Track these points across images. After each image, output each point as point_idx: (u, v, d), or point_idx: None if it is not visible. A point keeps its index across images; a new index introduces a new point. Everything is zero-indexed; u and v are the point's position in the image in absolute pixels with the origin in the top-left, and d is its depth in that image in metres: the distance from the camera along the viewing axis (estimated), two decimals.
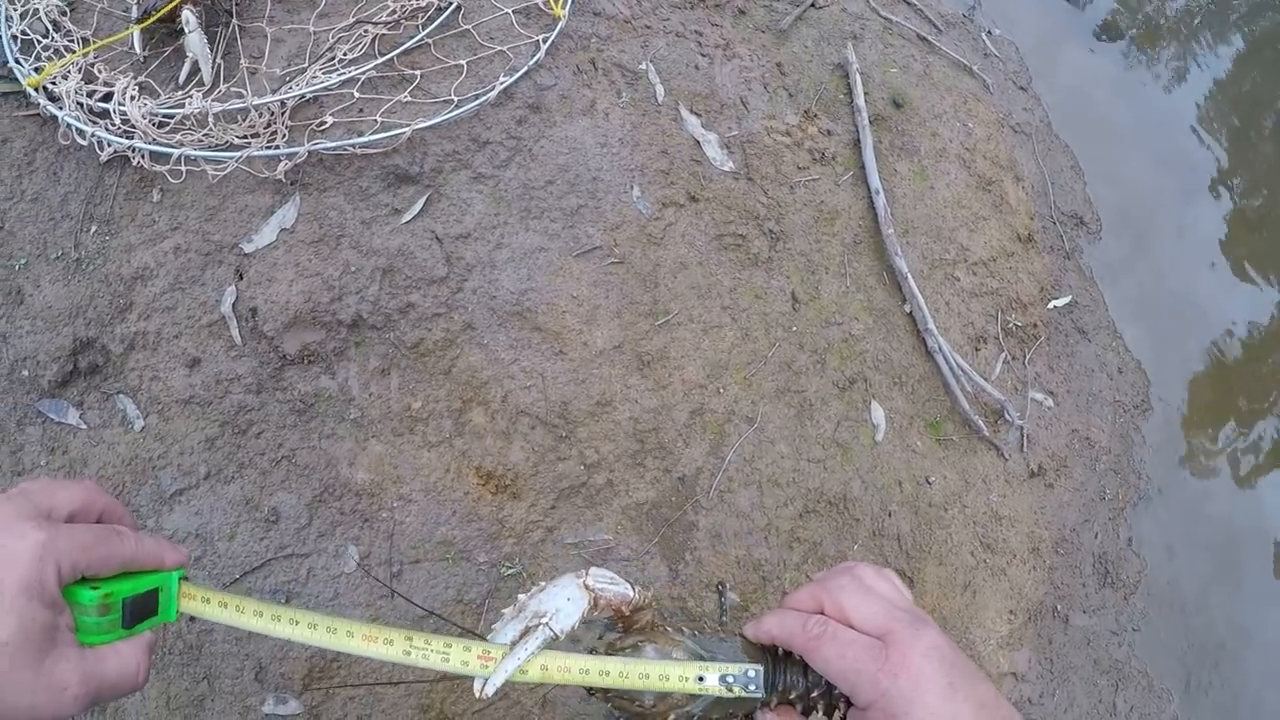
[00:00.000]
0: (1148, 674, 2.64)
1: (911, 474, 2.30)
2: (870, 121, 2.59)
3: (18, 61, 1.93)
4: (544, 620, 0.90)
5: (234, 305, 1.85)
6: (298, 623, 0.89)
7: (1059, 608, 2.54)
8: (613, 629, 1.00)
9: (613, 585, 0.96)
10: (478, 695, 0.90)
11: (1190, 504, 2.96)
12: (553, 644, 0.91)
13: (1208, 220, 3.50)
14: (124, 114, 1.84)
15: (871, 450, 2.26)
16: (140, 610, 0.83)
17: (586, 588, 0.94)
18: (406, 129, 1.91)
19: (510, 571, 1.86)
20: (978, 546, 2.37)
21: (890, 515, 2.22)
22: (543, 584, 0.95)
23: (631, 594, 0.97)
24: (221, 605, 0.88)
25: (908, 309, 2.45)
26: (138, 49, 1.97)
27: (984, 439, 2.47)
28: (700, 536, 2.00)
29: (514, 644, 0.90)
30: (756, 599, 2.02)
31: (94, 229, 1.86)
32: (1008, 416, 2.52)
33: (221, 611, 0.88)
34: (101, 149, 1.85)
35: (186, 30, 1.91)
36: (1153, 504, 2.89)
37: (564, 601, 0.92)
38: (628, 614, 0.98)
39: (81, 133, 1.84)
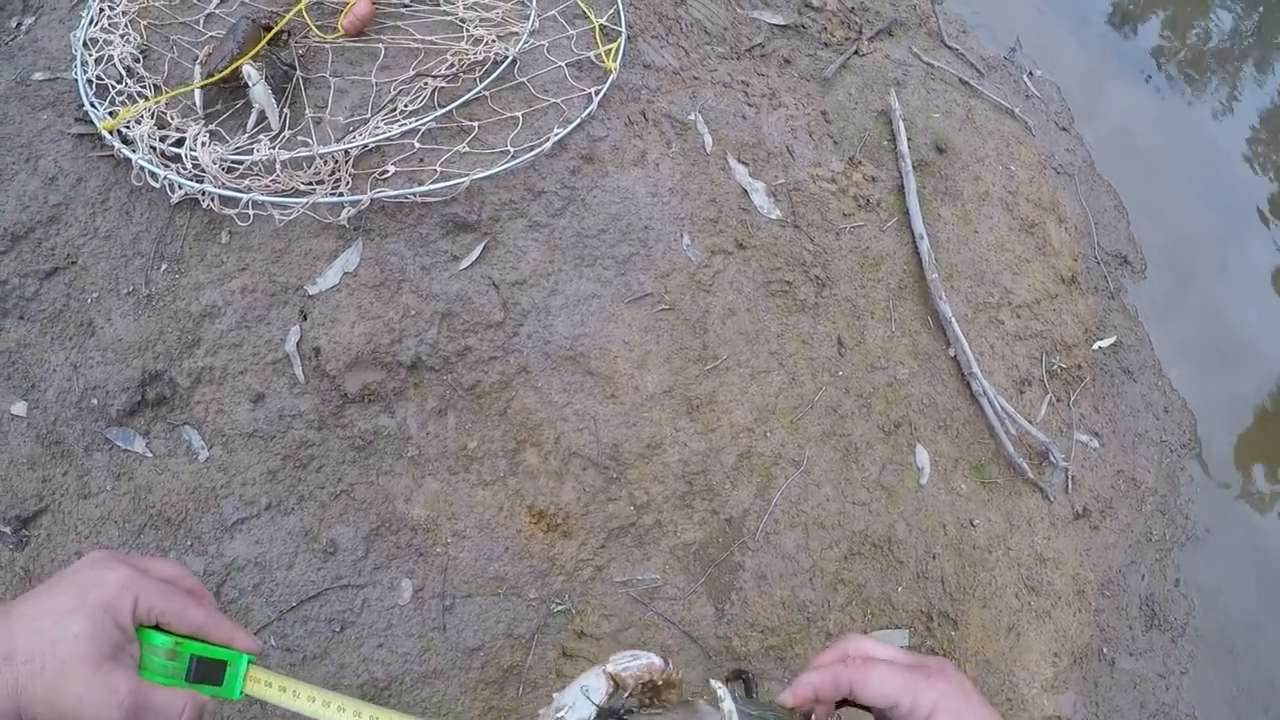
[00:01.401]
0: (1196, 718, 2.61)
1: (956, 517, 2.31)
2: (914, 167, 2.62)
3: (93, 105, 2.01)
4: (561, 714, 0.94)
5: (298, 344, 1.91)
6: (345, 710, 0.95)
7: (1105, 650, 2.53)
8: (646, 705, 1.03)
9: (635, 661, 0.97)
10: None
11: (1239, 544, 2.92)
12: None
13: (1254, 255, 3.47)
14: (195, 159, 1.91)
15: (916, 493, 2.28)
16: (205, 672, 0.90)
17: (607, 674, 0.96)
18: (465, 179, 1.97)
19: (560, 608, 1.90)
20: (1022, 589, 2.37)
21: (934, 558, 2.24)
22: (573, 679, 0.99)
23: (659, 662, 0.98)
24: (281, 690, 0.95)
25: (952, 353, 2.48)
26: (199, 109, 2.04)
27: (1028, 481, 2.48)
28: (746, 577, 2.04)
29: None
30: (800, 639, 2.04)
31: (164, 267, 1.94)
32: (1052, 459, 2.53)
33: (280, 695, 0.94)
34: (173, 191, 1.93)
35: (250, 84, 1.98)
36: (1201, 545, 2.86)
37: (579, 693, 0.95)
38: (660, 683, 1.00)
39: (154, 175, 1.92)
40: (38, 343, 1.90)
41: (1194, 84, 3.87)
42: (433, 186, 1.97)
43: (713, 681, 0.93)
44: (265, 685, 0.94)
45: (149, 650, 0.87)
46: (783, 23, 2.76)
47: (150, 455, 1.88)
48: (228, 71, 1.97)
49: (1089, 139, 3.40)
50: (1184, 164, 3.58)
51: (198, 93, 2.03)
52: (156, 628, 0.88)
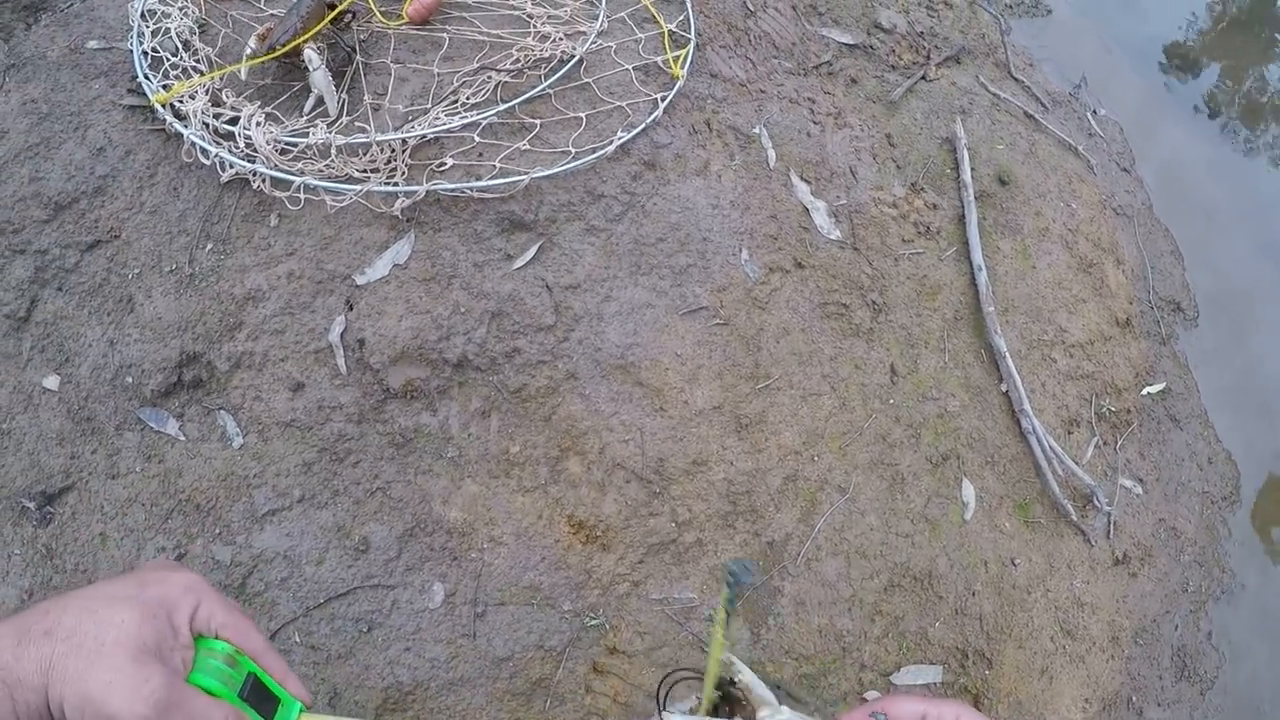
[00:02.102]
0: None
1: (998, 554, 2.26)
2: (975, 198, 2.58)
3: (147, 77, 1.98)
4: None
5: (342, 335, 1.88)
6: None
7: (1134, 699, 2.48)
8: None
9: None
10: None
11: (1274, 600, 2.88)
12: None
13: None
14: (248, 138, 1.88)
15: (960, 528, 2.23)
16: (257, 699, 0.85)
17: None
18: (525, 177, 1.93)
19: (594, 623, 1.86)
20: (1058, 632, 2.33)
21: (974, 595, 2.19)
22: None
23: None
24: None
25: (1004, 388, 2.43)
26: (241, 76, 2.02)
27: (1071, 523, 2.43)
28: (785, 602, 1.99)
29: None
30: (834, 669, 1.99)
31: (209, 247, 1.91)
32: (1097, 502, 2.48)
33: None
34: (223, 170, 1.90)
35: (310, 69, 1.95)
36: (1235, 598, 2.82)
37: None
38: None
39: (205, 152, 1.89)
40: (75, 316, 1.88)
41: (1254, 134, 3.83)
42: (491, 182, 1.93)
43: None
44: None
45: (207, 654, 0.82)
46: (851, 42, 2.73)
47: (183, 438, 1.85)
48: (290, 48, 1.94)
49: (1149, 181, 3.36)
50: (1240, 214, 3.54)
51: (244, 69, 2.00)
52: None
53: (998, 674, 2.19)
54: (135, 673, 0.74)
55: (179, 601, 0.81)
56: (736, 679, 0.94)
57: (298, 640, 1.77)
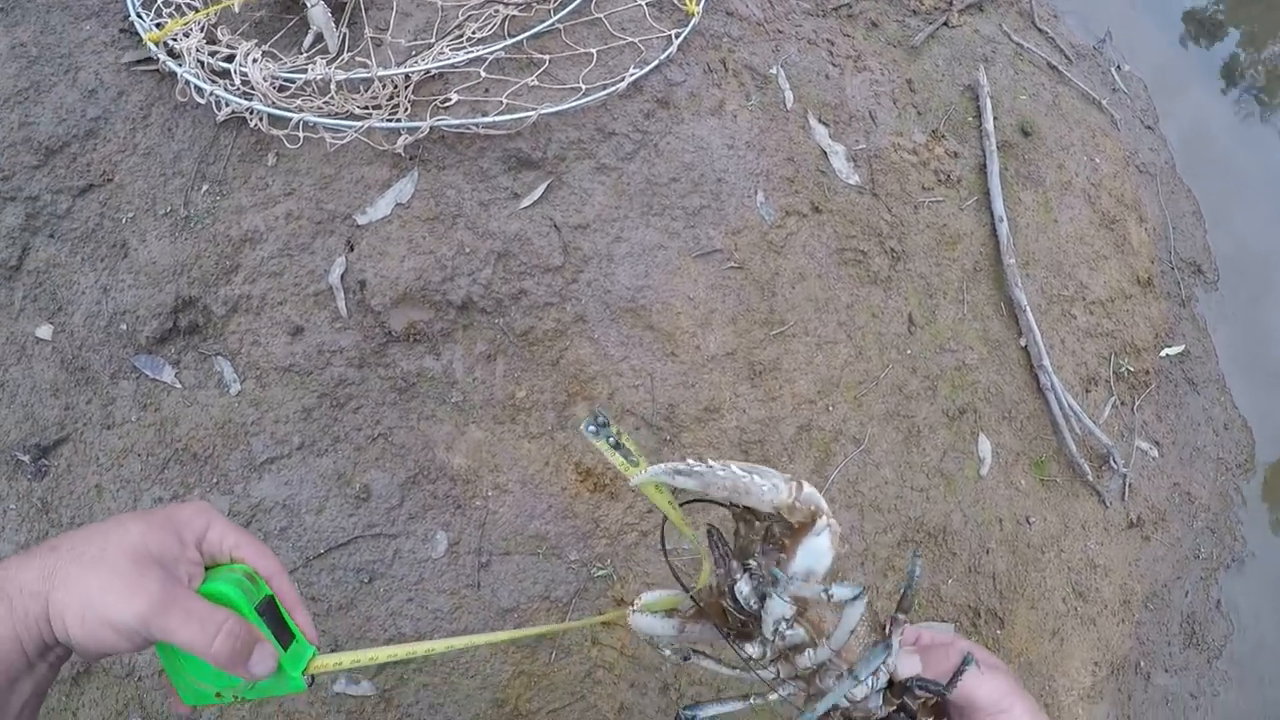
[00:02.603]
0: None
1: (1012, 512, 2.22)
2: (997, 147, 2.52)
3: (139, 16, 1.92)
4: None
5: (342, 276, 1.83)
6: (433, 650, 0.93)
7: (1142, 664, 2.46)
8: None
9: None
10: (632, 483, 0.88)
11: None
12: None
13: None
14: (245, 75, 1.82)
15: (975, 484, 2.19)
16: (273, 620, 0.84)
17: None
18: (533, 113, 1.87)
19: (601, 573, 1.82)
20: (1070, 593, 2.29)
21: (988, 552, 2.15)
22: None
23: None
24: (354, 661, 0.90)
25: (1023, 343, 2.38)
26: (235, 8, 1.93)
27: (1087, 484, 2.39)
28: None
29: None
30: None
31: (205, 188, 1.85)
32: (1113, 463, 2.43)
33: (353, 664, 0.91)
34: (219, 108, 1.83)
35: (308, 4, 1.89)
36: (1246, 567, 2.79)
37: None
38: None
39: (200, 91, 1.83)
40: (67, 263, 1.83)
41: (1277, 98, 3.76)
42: (497, 118, 1.87)
43: None
44: (335, 664, 0.89)
45: (225, 570, 0.83)
46: None
47: (179, 386, 1.81)
48: None
49: (1172, 141, 3.30)
50: (1262, 178, 3.47)
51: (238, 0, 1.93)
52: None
53: (1009, 634, 2.16)
54: (133, 574, 0.74)
55: (190, 520, 0.82)
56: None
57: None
